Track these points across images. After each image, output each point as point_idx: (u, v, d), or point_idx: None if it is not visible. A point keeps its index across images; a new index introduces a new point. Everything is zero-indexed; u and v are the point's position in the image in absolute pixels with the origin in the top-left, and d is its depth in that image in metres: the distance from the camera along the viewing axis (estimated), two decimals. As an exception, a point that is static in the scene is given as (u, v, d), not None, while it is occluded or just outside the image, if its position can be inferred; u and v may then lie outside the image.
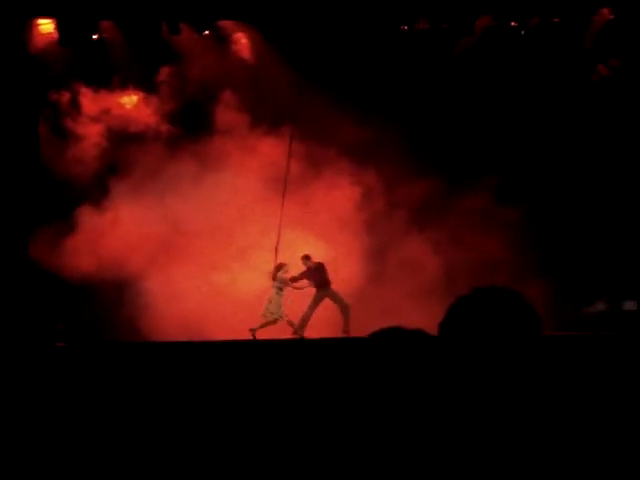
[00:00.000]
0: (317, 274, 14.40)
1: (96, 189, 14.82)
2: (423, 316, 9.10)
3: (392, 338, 2.37)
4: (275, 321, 14.17)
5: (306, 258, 14.45)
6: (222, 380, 7.91)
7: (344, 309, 14.26)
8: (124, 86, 15.12)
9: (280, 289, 14.23)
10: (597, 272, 14.80)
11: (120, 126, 15.06)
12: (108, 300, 14.52)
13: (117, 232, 14.57)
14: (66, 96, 14.89)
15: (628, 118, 14.88)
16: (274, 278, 14.23)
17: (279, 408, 6.75)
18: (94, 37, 14.93)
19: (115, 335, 14.15)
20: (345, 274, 14.63)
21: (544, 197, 15.12)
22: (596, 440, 2.16)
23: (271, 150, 15.13)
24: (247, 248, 15.00)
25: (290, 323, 14.21)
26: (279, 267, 14.32)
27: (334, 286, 14.42)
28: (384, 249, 15.13)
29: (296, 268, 14.44)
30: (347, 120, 14.94)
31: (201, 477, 5.33)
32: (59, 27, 14.64)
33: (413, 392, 2.23)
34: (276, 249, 14.48)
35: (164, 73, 15.16)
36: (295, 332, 14.10)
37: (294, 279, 14.33)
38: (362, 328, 13.52)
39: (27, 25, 14.53)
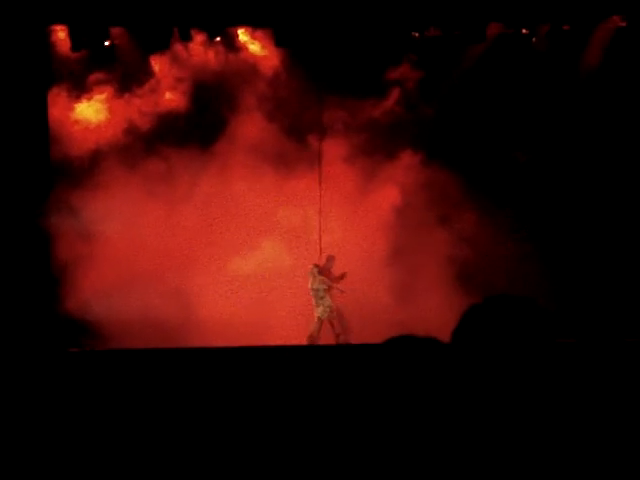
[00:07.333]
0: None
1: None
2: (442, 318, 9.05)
3: (405, 345, 2.36)
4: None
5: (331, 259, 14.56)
6: (235, 386, 7.91)
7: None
8: (131, 91, 15.12)
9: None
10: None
11: (124, 132, 15.04)
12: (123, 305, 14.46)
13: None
14: (75, 97, 14.93)
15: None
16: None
17: (288, 415, 6.75)
18: (106, 43, 14.99)
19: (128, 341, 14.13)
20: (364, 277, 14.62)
21: (556, 199, 15.13)
22: (612, 447, 2.15)
23: (287, 155, 15.19)
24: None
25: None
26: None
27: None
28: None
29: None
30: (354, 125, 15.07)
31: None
32: (71, 33, 14.71)
33: (426, 400, 2.22)
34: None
35: (171, 78, 15.18)
36: (338, 335, 14.11)
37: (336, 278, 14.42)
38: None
39: (45, 31, 14.58)
